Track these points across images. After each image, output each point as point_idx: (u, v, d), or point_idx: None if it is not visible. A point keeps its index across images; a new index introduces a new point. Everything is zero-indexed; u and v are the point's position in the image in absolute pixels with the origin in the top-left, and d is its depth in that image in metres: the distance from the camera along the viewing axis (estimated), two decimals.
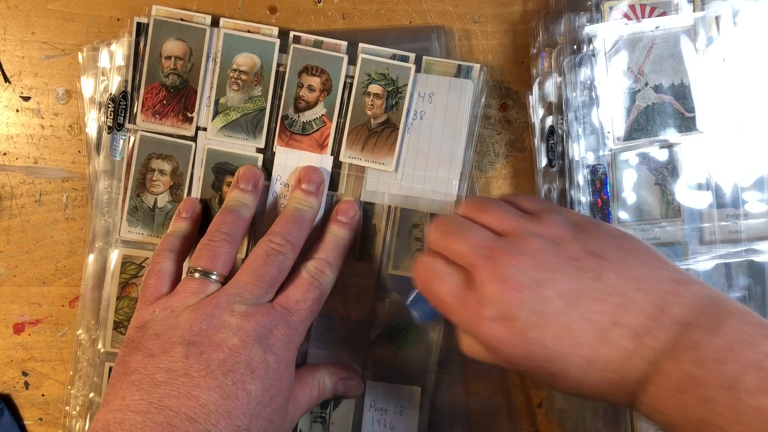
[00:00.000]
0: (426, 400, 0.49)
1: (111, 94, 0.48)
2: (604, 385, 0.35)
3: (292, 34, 0.48)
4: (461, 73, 0.48)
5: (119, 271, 0.49)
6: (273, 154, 0.48)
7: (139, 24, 0.48)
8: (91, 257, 0.49)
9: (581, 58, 0.47)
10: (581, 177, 0.47)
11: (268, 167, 0.48)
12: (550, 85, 0.48)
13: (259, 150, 0.48)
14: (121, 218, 0.48)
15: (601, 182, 0.47)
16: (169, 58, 0.48)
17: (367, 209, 0.49)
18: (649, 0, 0.47)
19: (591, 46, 0.47)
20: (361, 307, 0.49)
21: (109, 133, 0.48)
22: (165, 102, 0.48)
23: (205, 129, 0.48)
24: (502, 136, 0.51)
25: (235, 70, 0.48)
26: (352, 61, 0.48)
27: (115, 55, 0.48)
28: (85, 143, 0.50)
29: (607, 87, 0.47)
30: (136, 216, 0.48)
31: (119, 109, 0.48)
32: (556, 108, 0.48)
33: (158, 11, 0.48)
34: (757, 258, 0.48)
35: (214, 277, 0.43)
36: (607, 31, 0.47)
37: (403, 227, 0.49)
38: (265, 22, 0.49)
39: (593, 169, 0.47)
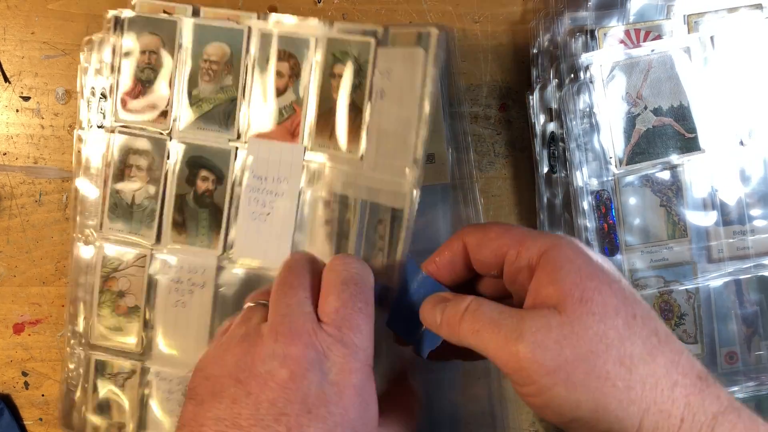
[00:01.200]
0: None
1: (92, 90, 0.48)
2: None
3: (272, 18, 0.46)
4: (421, 41, 0.41)
5: (101, 264, 0.49)
6: (246, 143, 0.47)
7: (116, 20, 0.47)
8: (78, 250, 0.49)
9: (579, 86, 0.47)
10: (586, 203, 0.47)
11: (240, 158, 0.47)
12: (551, 91, 0.48)
13: (231, 141, 0.48)
14: (102, 215, 0.48)
15: (606, 207, 0.47)
16: (144, 52, 0.47)
17: (342, 201, 0.46)
18: (643, 24, 0.47)
19: (588, 73, 0.47)
20: None
21: (90, 129, 0.48)
22: (141, 97, 0.48)
23: (179, 122, 0.48)
24: (502, 136, 0.51)
25: (206, 61, 0.47)
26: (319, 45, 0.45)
27: (95, 53, 0.48)
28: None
29: (607, 113, 0.47)
30: (116, 213, 0.48)
31: (99, 106, 0.48)
32: (557, 115, 0.48)
33: (141, 7, 0.47)
34: (766, 273, 0.48)
35: (263, 302, 0.37)
36: (603, 58, 0.47)
37: (370, 223, 0.44)
38: None
39: (597, 195, 0.47)
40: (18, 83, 0.50)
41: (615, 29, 0.47)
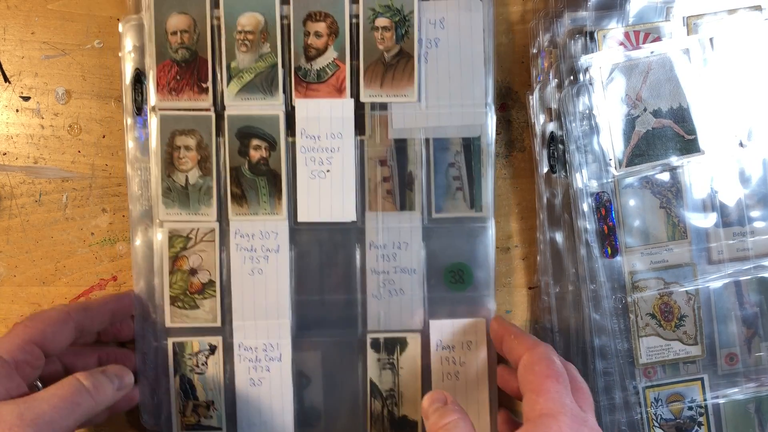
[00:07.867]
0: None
1: (126, 78, 0.48)
2: None
3: None
4: None
5: (167, 246, 0.49)
6: (293, 108, 0.48)
7: (137, 1, 0.48)
8: (138, 242, 0.49)
9: (579, 87, 0.47)
10: (586, 205, 0.47)
11: (290, 122, 0.48)
12: (551, 91, 0.48)
13: (277, 106, 0.48)
14: (158, 202, 0.48)
15: (606, 209, 0.47)
16: (174, 33, 0.48)
17: (400, 157, 0.49)
18: (642, 26, 0.47)
19: (588, 75, 0.47)
20: (411, 257, 0.49)
21: (131, 116, 0.48)
22: (178, 77, 0.48)
23: (223, 96, 0.48)
24: (502, 136, 0.51)
25: (240, 32, 0.48)
26: (355, 0, 0.48)
27: (125, 39, 0.48)
28: (85, 143, 0.50)
29: (607, 114, 0.47)
30: (171, 197, 0.48)
31: (136, 92, 0.48)
32: (557, 115, 0.48)
33: None
34: (766, 274, 0.48)
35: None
36: (602, 60, 0.47)
37: (439, 169, 0.49)
38: None
39: (597, 197, 0.47)
40: (18, 83, 0.50)
41: (614, 31, 0.47)
